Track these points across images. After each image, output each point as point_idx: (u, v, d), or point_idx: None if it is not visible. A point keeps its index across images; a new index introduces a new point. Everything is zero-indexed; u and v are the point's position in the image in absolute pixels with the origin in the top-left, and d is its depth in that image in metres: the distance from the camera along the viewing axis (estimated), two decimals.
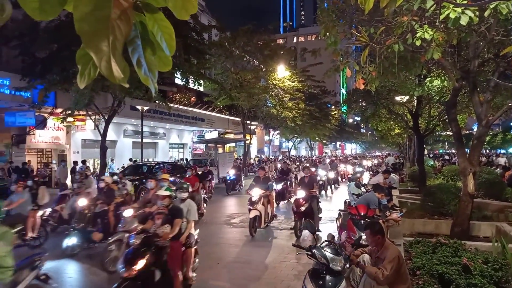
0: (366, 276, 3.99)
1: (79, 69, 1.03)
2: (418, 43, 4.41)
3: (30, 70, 14.74)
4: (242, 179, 18.93)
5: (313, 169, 16.77)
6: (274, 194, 10.57)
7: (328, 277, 3.55)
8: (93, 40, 0.85)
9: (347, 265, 3.91)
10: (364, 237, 4.91)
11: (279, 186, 13.07)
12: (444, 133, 23.86)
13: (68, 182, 15.04)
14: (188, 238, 5.36)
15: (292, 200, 10.46)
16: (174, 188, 6.07)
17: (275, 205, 11.16)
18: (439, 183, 12.48)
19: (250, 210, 8.79)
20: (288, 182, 14.49)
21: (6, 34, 13.68)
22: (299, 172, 16.89)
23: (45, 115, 17.04)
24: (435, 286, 4.68)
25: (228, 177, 17.40)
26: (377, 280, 3.80)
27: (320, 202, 9.68)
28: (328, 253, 3.67)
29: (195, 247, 5.64)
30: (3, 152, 16.86)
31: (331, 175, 17.72)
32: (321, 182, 15.13)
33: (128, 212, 6.49)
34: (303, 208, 8.38)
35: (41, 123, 17.13)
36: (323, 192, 15.77)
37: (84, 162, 16.95)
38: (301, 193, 8.67)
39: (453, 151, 46.41)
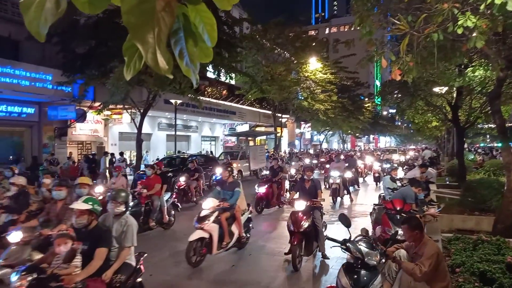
0: (402, 272, 3.90)
1: (125, 61, 1.05)
2: (459, 31, 4.19)
3: (71, 65, 15.40)
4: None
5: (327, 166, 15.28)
6: (244, 204, 7.53)
7: (363, 272, 3.49)
8: (139, 32, 0.87)
9: (383, 260, 3.83)
10: (400, 232, 4.78)
11: (261, 190, 11.16)
12: (486, 125, 22.66)
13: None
14: (117, 274, 3.72)
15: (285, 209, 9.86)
16: (105, 196, 4.72)
17: (254, 213, 9.31)
18: (480, 178, 11.93)
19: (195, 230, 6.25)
20: (280, 185, 12.09)
21: (48, 31, 14.29)
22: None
23: (85, 108, 17.76)
24: (476, 285, 4.49)
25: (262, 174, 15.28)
26: (414, 276, 3.71)
27: (324, 214, 7.13)
28: (363, 247, 3.61)
29: None
30: (47, 144, 17.78)
31: (348, 174, 14.29)
32: (334, 186, 12.78)
33: (15, 236, 4.18)
34: (305, 225, 6.03)
35: (81, 117, 17.88)
36: (338, 199, 12.96)
37: (121, 154, 17.54)
38: (300, 205, 6.35)
39: (495, 144, 44.12)
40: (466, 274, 4.85)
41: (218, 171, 13.24)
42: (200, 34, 1.05)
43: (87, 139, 20.36)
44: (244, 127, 32.34)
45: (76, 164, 17.21)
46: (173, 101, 17.77)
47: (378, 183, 17.06)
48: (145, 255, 4.36)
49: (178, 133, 21.47)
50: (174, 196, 9.94)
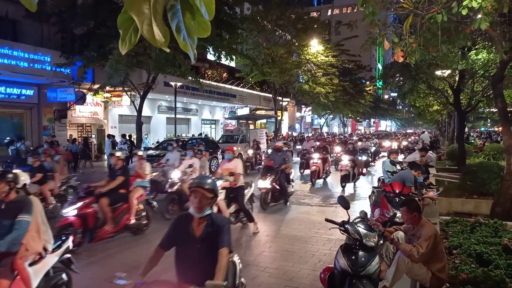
0: (400, 253, 3.94)
1: (120, 36, 1.03)
2: (464, 12, 4.12)
3: (69, 46, 15.23)
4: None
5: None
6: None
7: (361, 253, 3.53)
8: (135, 2, 0.84)
9: (381, 242, 3.86)
10: (398, 214, 4.82)
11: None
12: (487, 109, 22.56)
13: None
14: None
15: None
16: None
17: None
18: (480, 161, 11.95)
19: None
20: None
21: (46, 11, 14.12)
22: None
23: (84, 91, 17.67)
24: (472, 266, 4.55)
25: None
26: (412, 257, 3.75)
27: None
28: (361, 228, 3.63)
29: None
30: (47, 127, 17.76)
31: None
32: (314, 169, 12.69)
33: None
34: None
35: (81, 99, 17.81)
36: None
37: (124, 136, 17.53)
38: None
39: (496, 129, 44.06)
40: (463, 255, 4.92)
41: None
42: (197, 7, 1.02)
43: (87, 122, 20.33)
44: (245, 111, 32.22)
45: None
46: (173, 83, 17.64)
47: (345, 184, 11.80)
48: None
49: (178, 116, 21.41)
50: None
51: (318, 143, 17.02)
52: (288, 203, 9.47)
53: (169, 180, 8.52)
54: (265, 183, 8.80)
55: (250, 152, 16.70)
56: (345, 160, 12.06)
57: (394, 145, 22.48)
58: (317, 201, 10.20)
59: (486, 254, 4.81)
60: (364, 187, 12.40)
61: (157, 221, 7.51)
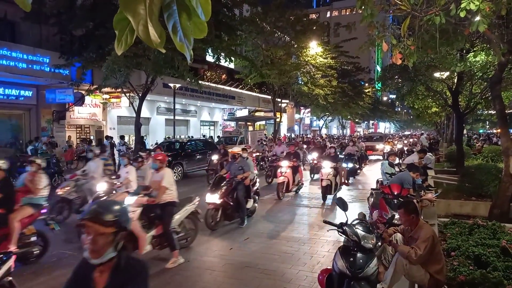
0: (398, 255, 3.94)
1: (116, 38, 1.02)
2: (462, 14, 4.13)
3: (68, 48, 15.22)
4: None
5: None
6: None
7: (359, 254, 3.52)
8: (130, 2, 0.84)
9: (379, 243, 3.86)
10: (397, 216, 4.82)
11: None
12: (486, 112, 22.61)
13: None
14: None
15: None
16: None
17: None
18: (478, 163, 11.97)
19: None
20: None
21: (45, 12, 14.12)
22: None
23: (83, 92, 17.65)
24: (470, 268, 4.55)
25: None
26: (410, 259, 3.75)
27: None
28: (359, 230, 3.63)
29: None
30: (45, 128, 17.73)
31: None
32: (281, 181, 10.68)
33: None
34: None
35: (79, 100, 17.77)
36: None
37: (122, 137, 17.51)
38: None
39: (494, 131, 44.11)
40: (461, 257, 4.91)
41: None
42: (194, 8, 1.02)
43: (85, 123, 20.30)
44: (244, 112, 32.22)
45: (75, 147, 17.23)
46: (172, 85, 17.64)
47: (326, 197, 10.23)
48: None
49: (177, 117, 21.39)
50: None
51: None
52: (245, 223, 7.73)
53: (88, 196, 7.23)
54: (213, 198, 7.37)
55: (215, 158, 13.46)
56: (327, 167, 10.23)
57: (387, 148, 19.91)
58: (316, 203, 10.18)
59: (484, 256, 4.81)
60: (363, 189, 12.40)
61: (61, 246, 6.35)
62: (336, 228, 3.74)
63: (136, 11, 0.85)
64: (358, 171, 15.89)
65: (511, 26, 7.30)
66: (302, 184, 11.72)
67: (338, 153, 14.16)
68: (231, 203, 7.60)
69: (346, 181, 11.29)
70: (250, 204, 8.09)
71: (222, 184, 7.64)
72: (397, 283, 3.98)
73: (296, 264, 5.66)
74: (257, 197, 8.70)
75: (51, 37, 16.05)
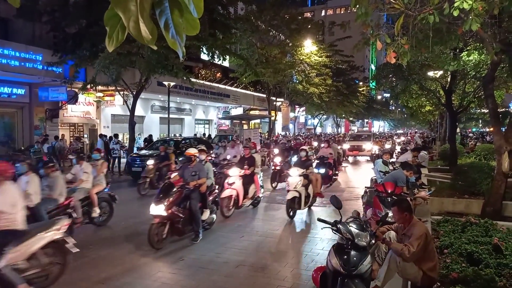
0: (391, 252, 3.96)
1: (107, 33, 1.02)
2: (455, 13, 4.15)
3: (61, 45, 15.08)
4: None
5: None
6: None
7: (352, 252, 3.54)
8: None
9: (373, 241, 3.88)
10: (390, 214, 4.85)
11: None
12: (479, 110, 22.82)
13: None
14: None
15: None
16: None
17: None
18: (471, 161, 12.07)
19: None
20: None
21: (38, 9, 13.97)
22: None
23: (76, 90, 17.52)
24: (463, 265, 4.60)
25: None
26: (403, 256, 3.77)
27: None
28: (353, 228, 3.65)
29: None
30: (38, 126, 17.57)
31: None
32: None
33: None
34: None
35: (73, 98, 17.63)
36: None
37: (116, 136, 17.42)
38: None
39: (487, 129, 44.53)
40: (454, 255, 4.96)
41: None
42: (186, 5, 1.02)
43: (79, 121, 20.15)
44: (238, 111, 32.19)
45: (68, 145, 17.12)
46: (166, 83, 17.56)
47: (293, 212, 8.22)
48: None
49: (171, 116, 21.31)
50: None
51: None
52: (200, 237, 6.53)
53: None
54: (158, 209, 6.06)
55: (151, 163, 11.48)
56: (294, 175, 8.22)
57: (375, 149, 18.34)
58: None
59: (476, 254, 4.85)
60: (358, 187, 12.45)
61: None
62: (330, 226, 3.76)
63: (127, 7, 0.84)
64: (334, 177, 12.95)
65: (504, 25, 7.36)
66: (260, 198, 9.39)
67: (313, 156, 12.34)
68: (182, 215, 6.33)
69: (320, 191, 9.08)
70: (206, 215, 6.85)
71: (171, 192, 6.33)
72: (390, 280, 4.00)
73: (290, 262, 5.67)
74: (215, 207, 7.45)
75: (44, 35, 15.88)
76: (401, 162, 8.27)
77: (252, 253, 6.10)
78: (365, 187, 8.06)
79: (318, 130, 46.45)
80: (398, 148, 19.71)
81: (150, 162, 11.45)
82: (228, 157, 11.68)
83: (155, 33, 0.90)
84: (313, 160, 11.52)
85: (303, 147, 10.30)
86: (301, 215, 8.69)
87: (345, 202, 7.09)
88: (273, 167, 12.34)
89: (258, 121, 35.40)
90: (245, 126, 29.78)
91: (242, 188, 8.45)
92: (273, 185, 12.02)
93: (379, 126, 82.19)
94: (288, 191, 8.07)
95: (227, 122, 32.00)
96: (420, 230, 3.85)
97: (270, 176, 12.33)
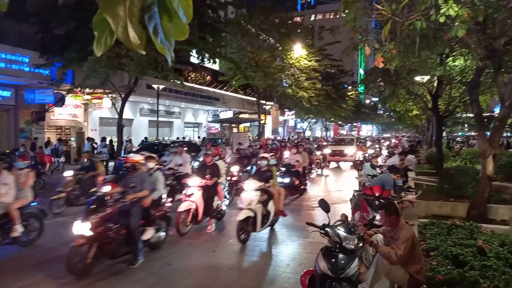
0: (379, 255, 4.00)
1: (95, 37, 1.02)
2: (442, 19, 4.24)
3: (49, 47, 14.89)
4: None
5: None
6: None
7: (340, 255, 3.57)
8: (110, 4, 0.84)
9: (360, 244, 3.91)
10: (378, 217, 4.90)
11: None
12: (464, 115, 23.26)
13: None
14: None
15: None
16: None
17: None
18: (457, 165, 12.28)
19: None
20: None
21: (26, 11, 13.79)
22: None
23: (63, 92, 17.30)
24: (448, 267, 4.66)
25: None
26: (390, 259, 3.81)
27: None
28: (341, 231, 3.68)
29: None
30: (24, 129, 17.29)
31: None
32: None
33: None
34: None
35: (60, 101, 17.41)
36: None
37: (104, 139, 17.24)
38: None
39: (473, 133, 45.30)
40: (440, 257, 5.03)
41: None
42: (175, 10, 1.02)
43: (66, 124, 19.89)
44: (228, 114, 32.18)
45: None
46: (155, 86, 17.47)
47: (245, 236, 6.76)
48: None
49: (160, 119, 21.17)
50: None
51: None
52: (139, 260, 5.52)
53: None
54: (83, 228, 4.97)
55: (68, 174, 9.35)
56: (250, 189, 6.84)
57: (359, 154, 17.32)
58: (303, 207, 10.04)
59: (462, 256, 4.93)
60: (346, 190, 12.53)
61: None
62: (318, 229, 3.78)
63: (115, 12, 0.84)
64: (303, 186, 11.53)
65: (488, 32, 7.54)
66: (223, 211, 8.19)
67: (278, 164, 10.40)
68: (114, 235, 5.26)
69: (282, 210, 7.67)
70: (149, 234, 5.83)
71: (103, 208, 5.42)
72: (377, 283, 4.04)
73: (279, 265, 5.68)
74: (165, 223, 6.40)
75: (32, 36, 15.68)
76: (389, 165, 8.36)
77: (240, 257, 6.09)
78: (354, 190, 8.13)
79: (308, 133, 46.69)
80: (384, 152, 19.70)
81: (69, 174, 9.31)
82: (172, 165, 10.07)
83: (143, 38, 0.91)
84: (279, 168, 10.45)
85: (264, 154, 8.39)
86: (289, 218, 8.69)
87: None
88: (228, 177, 10.03)
89: (247, 124, 35.43)
90: (235, 130, 29.78)
91: (202, 201, 7.35)
92: (228, 198, 9.18)
93: (367, 130, 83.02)
94: (241, 209, 6.63)
95: (217, 125, 31.95)
96: (407, 233, 3.90)
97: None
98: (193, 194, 7.27)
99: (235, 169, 10.58)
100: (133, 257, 5.50)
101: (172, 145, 15.60)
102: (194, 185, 7.38)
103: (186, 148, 11.21)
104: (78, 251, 5.01)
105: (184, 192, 7.59)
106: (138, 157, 6.06)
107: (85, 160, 10.22)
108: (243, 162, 11.65)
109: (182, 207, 7.04)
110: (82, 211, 5.48)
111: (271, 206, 7.14)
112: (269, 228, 7.43)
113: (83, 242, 5.00)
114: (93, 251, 5.05)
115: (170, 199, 7.34)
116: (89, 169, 9.61)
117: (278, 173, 9.95)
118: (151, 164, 6.75)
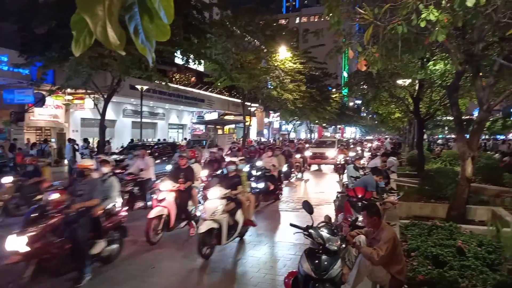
0: (361, 256, 4.05)
1: (74, 36, 1.00)
2: (423, 24, 4.32)
3: (29, 46, 14.54)
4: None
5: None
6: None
7: (324, 257, 3.60)
8: (88, 3, 0.82)
9: (343, 245, 3.96)
10: (360, 218, 4.95)
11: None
12: (445, 117, 23.80)
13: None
14: None
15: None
16: None
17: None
18: (437, 167, 12.53)
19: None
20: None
21: (5, 9, 13.45)
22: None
23: (44, 92, 16.92)
24: (429, 267, 4.75)
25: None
26: (372, 260, 3.86)
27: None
28: (324, 233, 3.71)
29: None
30: (2, 130, 16.83)
31: None
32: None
33: None
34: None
35: (40, 101, 17.02)
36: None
37: (86, 140, 16.93)
38: None
39: (453, 136, 46.35)
40: (420, 258, 5.12)
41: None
42: (156, 10, 1.01)
43: (46, 125, 19.46)
44: (213, 115, 32.08)
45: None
46: (139, 87, 17.28)
47: (207, 250, 6.01)
48: None
49: (144, 120, 20.96)
50: None
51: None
52: (86, 277, 4.89)
53: None
54: (18, 243, 4.29)
55: (7, 181, 8.33)
56: (214, 197, 6.18)
57: (340, 158, 16.73)
58: (288, 207, 10.15)
59: (441, 256, 5.04)
60: (327, 192, 12.63)
61: None
62: (302, 231, 3.80)
63: (94, 12, 0.83)
64: (278, 191, 10.86)
65: (467, 37, 7.74)
66: (196, 216, 7.46)
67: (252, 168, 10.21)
68: (56, 249, 4.61)
69: (252, 220, 7.14)
70: (99, 247, 5.23)
71: (44, 219, 4.63)
72: (360, 284, 4.08)
73: (262, 267, 5.68)
74: (118, 234, 5.77)
75: (11, 35, 15.28)
76: (371, 167, 8.48)
77: (224, 259, 6.06)
78: (337, 192, 8.21)
79: (292, 135, 46.93)
80: (367, 155, 19.67)
81: (7, 180, 8.17)
82: (134, 169, 9.18)
83: (123, 38, 0.90)
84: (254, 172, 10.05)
85: (232, 159, 7.75)
86: (273, 219, 8.70)
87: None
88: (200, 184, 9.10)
89: (233, 126, 35.37)
90: (220, 131, 29.68)
91: (174, 206, 6.82)
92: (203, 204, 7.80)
93: (351, 132, 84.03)
94: (204, 219, 5.99)
95: (202, 127, 31.80)
96: (389, 234, 3.96)
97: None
98: (164, 199, 6.73)
99: (204, 173, 9.44)
100: (79, 274, 4.85)
101: (156, 146, 15.44)
102: (166, 189, 6.84)
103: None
104: (12, 270, 4.37)
105: (155, 196, 7.05)
106: (88, 162, 5.51)
107: (27, 163, 9.07)
108: (213, 165, 10.48)
109: (153, 213, 6.50)
110: (21, 222, 4.69)
111: (239, 216, 6.50)
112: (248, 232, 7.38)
113: (17, 260, 4.29)
114: (31, 269, 4.39)
115: (126, 208, 6.57)
116: (33, 175, 8.56)
117: (253, 178, 9.66)
118: (106, 169, 6.19)
